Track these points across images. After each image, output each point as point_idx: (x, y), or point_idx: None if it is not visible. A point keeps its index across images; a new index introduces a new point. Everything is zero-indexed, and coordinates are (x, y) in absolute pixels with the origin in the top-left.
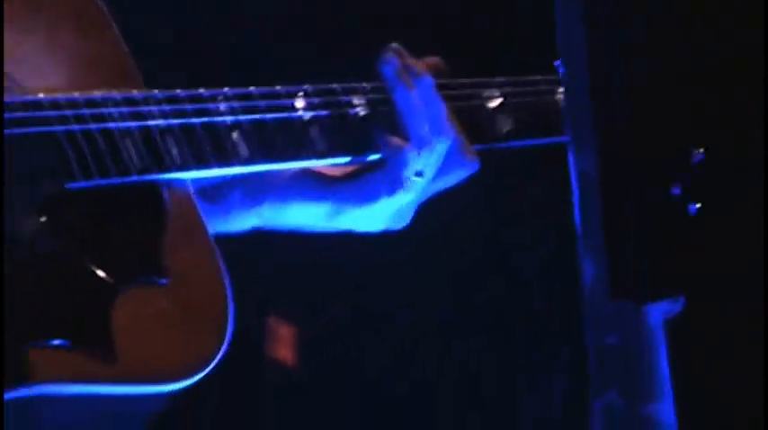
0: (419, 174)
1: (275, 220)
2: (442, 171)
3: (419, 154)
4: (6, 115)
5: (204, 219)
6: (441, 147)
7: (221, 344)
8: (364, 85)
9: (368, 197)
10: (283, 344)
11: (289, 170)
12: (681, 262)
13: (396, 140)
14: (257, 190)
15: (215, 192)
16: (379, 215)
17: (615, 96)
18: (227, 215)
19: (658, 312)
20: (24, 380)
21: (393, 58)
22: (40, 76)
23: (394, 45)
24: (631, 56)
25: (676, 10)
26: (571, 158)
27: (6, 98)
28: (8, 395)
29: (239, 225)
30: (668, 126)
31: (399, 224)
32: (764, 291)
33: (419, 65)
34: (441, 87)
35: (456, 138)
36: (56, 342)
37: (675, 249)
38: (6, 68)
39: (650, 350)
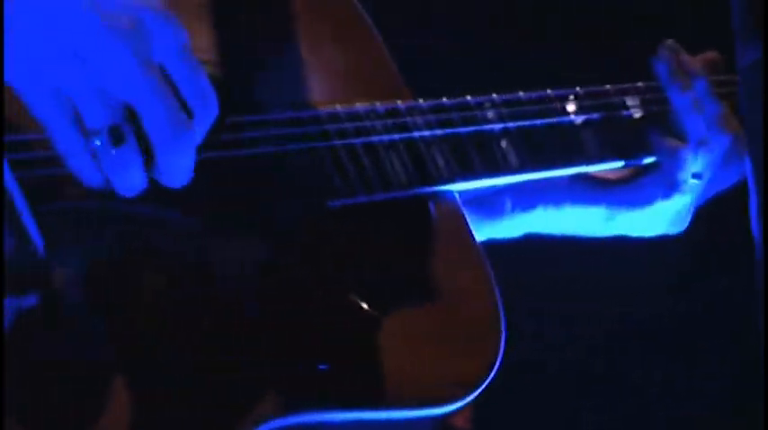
0: (697, 176)
1: (548, 226)
2: (719, 172)
3: (696, 155)
4: (268, 132)
5: (474, 226)
6: (719, 148)
7: (494, 361)
8: (638, 84)
9: (643, 200)
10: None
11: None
12: None
13: (672, 141)
14: (529, 196)
15: (486, 200)
16: (655, 219)
17: None
18: (498, 222)
19: None
20: (293, 407)
21: (667, 56)
22: (302, 92)
23: (669, 42)
24: None
25: None
26: (757, 251)
27: (267, 115)
28: (277, 423)
29: (511, 231)
30: None
31: (677, 228)
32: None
33: (695, 62)
34: (718, 84)
35: (734, 137)
36: (323, 367)
37: None
38: (265, 87)
39: None
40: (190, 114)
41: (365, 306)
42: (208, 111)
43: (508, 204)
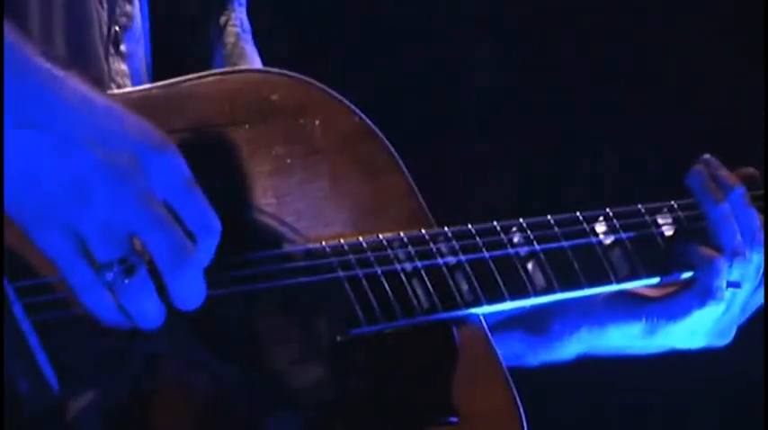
0: (733, 284)
1: (596, 346)
2: (757, 285)
3: (731, 265)
4: (287, 265)
5: (529, 351)
6: (757, 258)
7: None
8: (671, 203)
9: (679, 312)
10: None
11: (602, 293)
12: None
13: (706, 251)
14: (575, 316)
15: (535, 322)
16: (695, 331)
17: None
18: (550, 343)
19: None
20: None
21: (701, 171)
22: (325, 225)
23: (705, 157)
24: None
25: None
26: None
27: (288, 248)
28: None
29: (563, 353)
30: None
31: (720, 340)
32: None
33: (730, 176)
34: (755, 199)
35: None
36: None
37: None
38: (288, 219)
39: None
40: (193, 240)
41: None
42: (210, 234)
43: (555, 327)
